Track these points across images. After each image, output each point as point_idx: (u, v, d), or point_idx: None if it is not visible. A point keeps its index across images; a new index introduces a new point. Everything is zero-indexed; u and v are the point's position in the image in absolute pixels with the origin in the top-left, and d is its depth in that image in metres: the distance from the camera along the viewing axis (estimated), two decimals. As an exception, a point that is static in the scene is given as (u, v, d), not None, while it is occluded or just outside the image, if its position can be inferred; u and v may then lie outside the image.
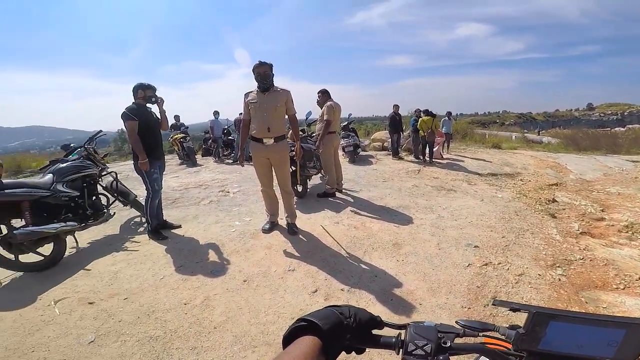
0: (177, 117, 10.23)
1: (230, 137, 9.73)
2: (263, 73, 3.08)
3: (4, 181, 2.77)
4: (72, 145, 4.03)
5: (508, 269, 2.85)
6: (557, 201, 4.86)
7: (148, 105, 3.44)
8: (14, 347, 1.98)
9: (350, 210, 4.36)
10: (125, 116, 3.24)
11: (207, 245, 3.39)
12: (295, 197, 4.26)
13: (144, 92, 3.36)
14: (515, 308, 0.58)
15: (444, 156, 9.21)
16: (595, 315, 0.54)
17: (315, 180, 6.01)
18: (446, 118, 10.31)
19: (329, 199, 4.89)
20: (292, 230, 3.55)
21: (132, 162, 3.46)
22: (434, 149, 8.52)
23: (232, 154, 9.12)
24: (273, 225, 3.69)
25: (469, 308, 2.31)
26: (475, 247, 3.23)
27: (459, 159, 8.95)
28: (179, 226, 3.84)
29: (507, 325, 0.59)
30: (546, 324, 0.54)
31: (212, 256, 3.14)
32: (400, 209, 4.41)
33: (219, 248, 3.30)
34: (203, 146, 10.48)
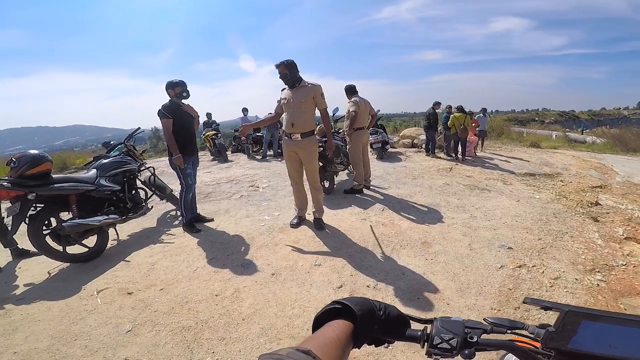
0: (209, 115, 10.54)
1: (259, 134, 9.91)
2: (281, 73, 3.20)
3: (52, 176, 2.96)
4: (112, 142, 4.30)
5: (543, 272, 2.72)
6: (600, 204, 4.55)
7: (183, 101, 3.55)
8: (59, 335, 2.08)
9: (379, 207, 4.32)
10: (161, 114, 3.37)
11: (238, 238, 3.48)
12: (322, 193, 4.28)
13: (174, 90, 3.44)
14: (546, 306, 0.57)
15: (478, 154, 8.90)
16: (631, 315, 0.52)
17: (342, 176, 6.01)
18: (481, 115, 9.95)
19: (357, 195, 4.86)
20: (319, 226, 3.58)
21: (168, 158, 3.60)
22: (468, 147, 8.26)
23: (261, 150, 9.28)
24: (301, 220, 3.74)
25: (499, 310, 2.24)
26: (508, 248, 3.10)
27: (493, 157, 8.60)
28: (212, 219, 3.98)
29: (537, 325, 0.58)
30: (578, 323, 0.52)
31: (243, 249, 3.22)
32: (431, 207, 4.32)
33: (248, 241, 3.38)
34: (233, 143, 10.74)
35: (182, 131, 3.46)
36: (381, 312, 0.57)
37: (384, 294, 2.44)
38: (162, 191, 4.22)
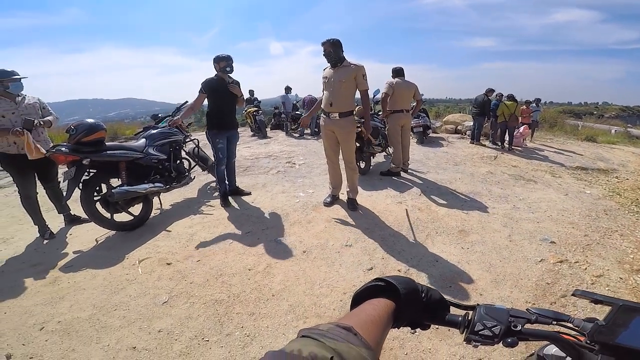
0: (251, 92, 10.71)
1: (297, 112, 9.95)
2: (326, 50, 3.20)
3: (106, 144, 3.12)
4: (160, 115, 4.49)
5: (586, 269, 2.58)
6: (659, 204, 4.17)
7: (233, 80, 3.61)
8: (101, 304, 2.15)
9: (415, 191, 4.24)
10: (200, 89, 3.53)
11: (273, 213, 3.56)
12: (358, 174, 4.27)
13: (219, 64, 3.50)
14: (598, 300, 0.55)
15: (528, 145, 8.44)
16: None
17: (379, 158, 5.93)
18: (534, 105, 9.35)
19: (393, 178, 4.80)
20: (352, 206, 3.59)
21: (206, 131, 3.73)
22: (517, 137, 7.88)
23: (300, 129, 9.35)
24: (334, 199, 3.76)
25: (534, 304, 2.15)
26: (551, 242, 2.95)
27: (543, 149, 8.08)
28: (249, 193, 4.11)
29: (583, 318, 0.56)
30: (631, 318, 0.51)
31: (277, 225, 3.29)
32: (471, 195, 4.17)
33: (283, 217, 3.45)
34: (273, 120, 10.88)
35: (219, 106, 3.57)
36: (423, 295, 0.57)
37: (415, 280, 2.42)
38: (204, 162, 4.40)
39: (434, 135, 9.17)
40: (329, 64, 3.30)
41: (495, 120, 7.96)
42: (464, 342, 0.54)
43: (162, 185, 3.46)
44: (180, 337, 1.88)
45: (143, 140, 3.52)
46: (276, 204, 3.82)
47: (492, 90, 8.10)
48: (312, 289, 2.29)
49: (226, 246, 2.89)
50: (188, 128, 4.55)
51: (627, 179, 5.48)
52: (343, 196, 3.81)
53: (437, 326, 0.58)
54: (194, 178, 4.16)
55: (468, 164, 5.85)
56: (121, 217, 3.20)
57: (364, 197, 3.94)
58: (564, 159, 6.81)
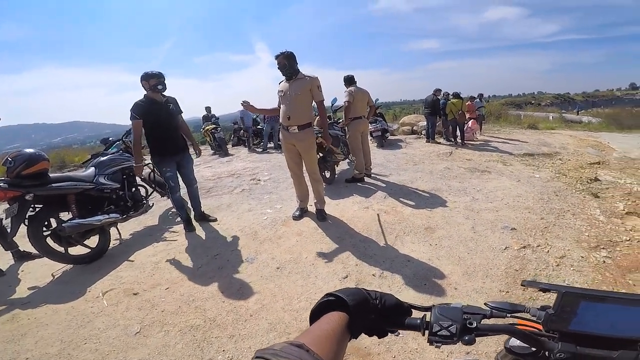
0: (208, 109, 10.45)
1: (259, 127, 9.86)
2: (280, 63, 3.18)
3: (50, 175, 2.90)
4: (110, 139, 4.23)
5: (548, 251, 2.73)
6: (599, 180, 4.58)
7: (163, 94, 3.30)
8: (69, 339, 2.06)
9: (380, 195, 4.31)
10: (130, 116, 3.15)
11: (241, 233, 3.45)
12: (323, 184, 4.30)
13: (148, 82, 3.17)
14: (544, 288, 0.57)
15: (478, 138, 8.99)
16: (628, 294, 0.53)
17: (343, 166, 5.99)
18: (477, 100, 10.01)
19: (358, 184, 4.86)
20: (321, 216, 3.58)
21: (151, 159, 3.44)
22: (468, 132, 8.38)
23: (262, 143, 9.25)
24: (303, 212, 3.73)
25: (507, 292, 2.23)
26: (512, 229, 3.11)
27: (492, 140, 8.64)
28: (215, 219, 3.88)
29: (538, 307, 0.58)
30: (577, 303, 0.53)
31: (246, 244, 3.20)
32: (433, 192, 4.32)
33: (252, 236, 3.36)
34: (233, 136, 10.69)
35: (159, 130, 3.24)
36: (377, 301, 0.57)
37: (391, 282, 2.44)
38: (162, 187, 4.18)
39: (393, 137, 9.47)
40: (284, 77, 3.29)
41: (446, 118, 8.40)
42: (428, 344, 0.54)
43: (118, 215, 3.26)
44: (159, 366, 1.80)
45: (92, 169, 3.30)
46: (243, 223, 3.72)
47: (439, 90, 8.59)
48: (290, 304, 2.25)
49: (195, 271, 2.78)
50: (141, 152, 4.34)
51: (569, 160, 6.00)
52: (312, 208, 3.79)
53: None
54: (152, 205, 3.96)
55: (426, 162, 6.08)
56: (77, 250, 3.03)
57: (332, 206, 3.95)
58: (511, 148, 7.30)
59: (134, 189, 3.70)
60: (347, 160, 5.76)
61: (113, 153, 3.65)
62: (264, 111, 3.89)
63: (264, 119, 9.54)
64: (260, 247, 3.12)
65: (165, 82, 3.24)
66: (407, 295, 2.27)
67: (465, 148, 7.57)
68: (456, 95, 8.41)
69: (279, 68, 3.22)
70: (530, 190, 4.17)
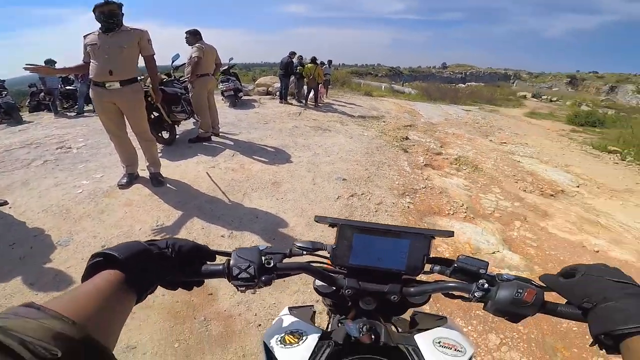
0: None
1: (70, 87, 7.97)
2: (108, 12, 2.71)
3: None
4: None
5: (369, 199, 3.20)
6: (409, 139, 5.72)
7: None
8: None
9: (229, 153, 4.19)
10: None
11: (46, 214, 2.77)
12: (161, 145, 3.90)
13: None
14: (332, 223, 0.58)
15: (324, 100, 9.68)
16: (385, 225, 0.56)
17: (187, 125, 5.50)
18: (327, 65, 10.67)
19: (204, 143, 4.56)
20: (156, 181, 3.19)
21: None
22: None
23: (76, 106, 7.51)
24: (132, 178, 3.23)
25: None
26: (343, 180, 3.52)
27: (336, 103, 9.51)
28: (5, 202, 2.89)
29: (332, 244, 0.59)
30: (351, 237, 0.55)
31: (55, 226, 2.59)
32: (281, 147, 4.48)
33: (62, 215, 2.74)
34: (30, 101, 8.31)
35: None
36: (169, 250, 0.50)
37: (241, 241, 2.43)
38: None
39: (247, 98, 9.26)
40: (99, 30, 2.77)
41: (299, 81, 8.72)
42: (236, 290, 0.51)
43: None
44: None
45: None
46: (49, 201, 2.95)
47: (294, 53, 8.70)
48: None
49: None
50: None
51: (390, 122, 7.25)
52: (144, 173, 3.33)
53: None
54: None
55: (277, 122, 6.21)
56: None
57: (172, 169, 3.59)
58: (350, 110, 8.30)
59: None
60: (193, 120, 5.31)
61: None
62: (67, 70, 3.37)
63: (78, 77, 7.71)
64: (76, 226, 2.58)
65: None
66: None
67: (313, 109, 8.08)
68: (313, 60, 8.68)
69: (100, 18, 2.70)
70: (359, 146, 4.81)
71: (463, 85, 26.74)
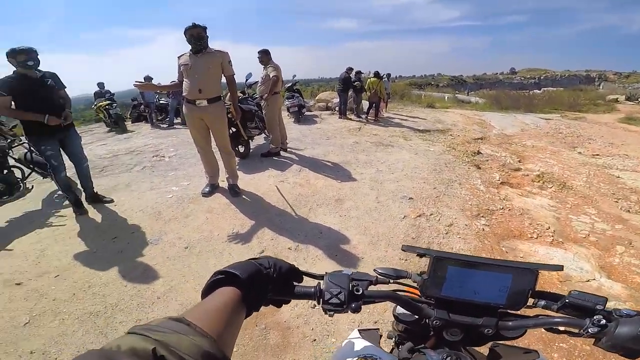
0: (100, 85, 9.46)
1: (163, 102, 9.17)
2: (197, 35, 3.02)
3: None
4: None
5: (439, 219, 3.07)
6: (481, 153, 5.39)
7: (39, 70, 2.88)
8: None
9: (296, 168, 4.38)
10: None
11: (142, 213, 3.19)
12: (237, 158, 4.23)
13: (15, 59, 2.75)
14: (420, 253, 0.58)
15: (384, 115, 9.59)
16: (485, 259, 0.55)
17: (259, 140, 5.89)
18: (385, 79, 10.64)
19: (274, 158, 4.85)
20: (234, 192, 3.50)
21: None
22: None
23: (167, 119, 8.58)
24: (214, 188, 3.59)
25: (406, 260, 2.45)
26: (410, 199, 3.45)
27: (396, 117, 9.35)
28: (111, 200, 3.49)
29: (418, 272, 0.59)
30: (445, 268, 0.55)
31: (149, 225, 2.97)
32: (343, 164, 4.55)
33: (155, 216, 3.13)
34: (132, 112, 9.73)
35: (33, 107, 2.82)
36: (271, 269, 0.54)
37: (305, 255, 2.53)
38: (43, 168, 3.62)
39: (309, 113, 9.60)
40: (190, 51, 3.11)
41: (357, 95, 8.80)
42: (324, 313, 0.54)
43: None
44: (60, 354, 1.71)
45: None
46: (145, 203, 3.42)
47: (351, 68, 8.84)
48: (202, 283, 2.12)
49: (90, 256, 2.53)
50: (12, 131, 3.74)
51: (459, 135, 6.88)
52: (224, 184, 3.66)
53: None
54: (32, 188, 3.48)
55: (338, 137, 6.34)
56: None
57: (246, 181, 3.88)
58: (412, 124, 8.07)
59: (5, 171, 3.26)
60: (264, 135, 5.68)
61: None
62: (165, 87, 3.83)
63: (169, 94, 8.82)
64: (165, 227, 2.94)
65: (37, 57, 2.80)
66: (321, 266, 2.40)
67: (372, 124, 8.06)
68: (376, 75, 8.68)
69: (191, 40, 3.04)
70: (425, 162, 4.67)
71: (538, 91, 24.53)
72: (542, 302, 0.54)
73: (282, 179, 3.98)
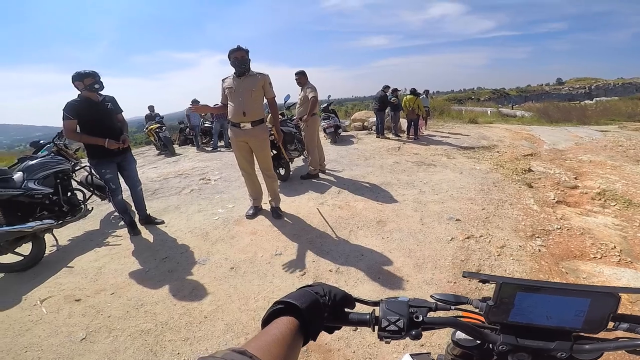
0: (151, 108, 10.01)
1: (207, 125, 9.61)
2: (241, 58, 3.08)
3: None
4: (41, 141, 3.95)
5: (490, 241, 2.91)
6: (532, 171, 5.04)
7: (100, 93, 3.08)
8: (6, 348, 1.94)
9: (335, 190, 4.37)
10: (63, 115, 2.92)
11: (191, 235, 3.33)
12: (278, 181, 4.27)
13: (82, 82, 2.91)
14: (484, 279, 0.57)
15: (424, 133, 9.38)
16: (560, 284, 0.54)
17: (298, 162, 5.99)
18: (424, 96, 10.48)
19: (313, 180, 4.89)
20: (276, 214, 3.55)
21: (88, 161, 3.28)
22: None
23: (212, 142, 8.98)
24: (257, 210, 3.67)
25: (455, 282, 2.34)
26: (457, 220, 3.30)
27: (437, 134, 9.10)
28: (162, 222, 3.70)
29: (480, 298, 0.58)
30: (513, 294, 0.53)
31: (197, 246, 3.09)
32: (383, 185, 4.46)
33: (203, 237, 3.25)
34: (180, 135, 10.30)
35: (96, 130, 3.00)
36: (327, 297, 0.55)
37: (347, 277, 2.48)
38: (102, 191, 3.92)
39: (345, 133, 9.63)
40: (234, 74, 3.20)
41: (395, 113, 8.72)
42: (379, 340, 0.53)
43: (53, 221, 3.04)
44: (114, 370, 1.76)
45: (20, 174, 3.05)
46: (193, 224, 3.57)
47: (387, 87, 8.80)
48: (247, 304, 2.23)
49: (142, 275, 2.66)
50: (76, 154, 4.04)
51: (506, 152, 6.52)
52: (266, 206, 3.74)
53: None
54: (92, 209, 3.72)
55: (377, 157, 6.26)
56: (8, 257, 2.83)
57: (287, 203, 3.92)
58: (454, 141, 7.78)
59: (69, 194, 3.48)
60: (302, 157, 5.76)
61: (44, 156, 3.38)
62: (212, 109, 3.99)
63: (213, 117, 9.28)
64: (213, 248, 3.03)
65: (101, 80, 3.01)
66: (363, 289, 2.33)
67: (412, 143, 7.90)
68: (413, 92, 8.61)
69: (236, 63, 3.11)
70: (472, 182, 4.47)
71: (590, 102, 22.90)
72: (625, 325, 0.52)
73: (321, 201, 3.98)
